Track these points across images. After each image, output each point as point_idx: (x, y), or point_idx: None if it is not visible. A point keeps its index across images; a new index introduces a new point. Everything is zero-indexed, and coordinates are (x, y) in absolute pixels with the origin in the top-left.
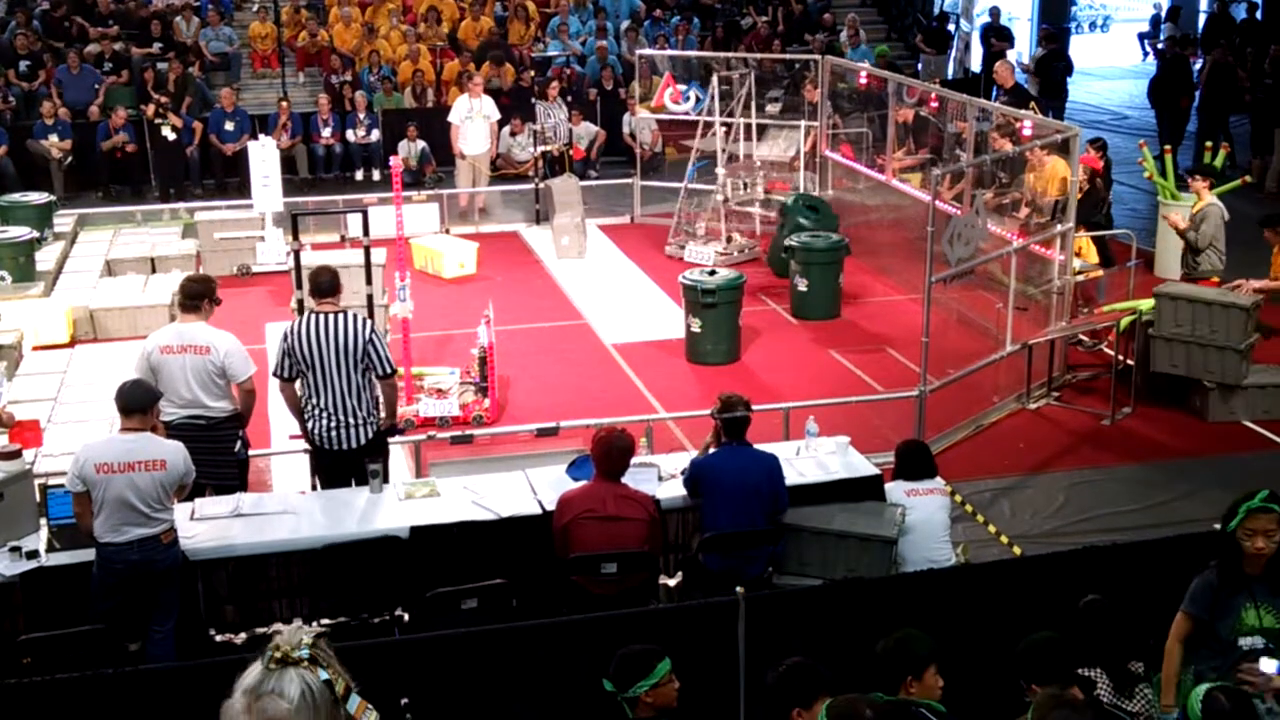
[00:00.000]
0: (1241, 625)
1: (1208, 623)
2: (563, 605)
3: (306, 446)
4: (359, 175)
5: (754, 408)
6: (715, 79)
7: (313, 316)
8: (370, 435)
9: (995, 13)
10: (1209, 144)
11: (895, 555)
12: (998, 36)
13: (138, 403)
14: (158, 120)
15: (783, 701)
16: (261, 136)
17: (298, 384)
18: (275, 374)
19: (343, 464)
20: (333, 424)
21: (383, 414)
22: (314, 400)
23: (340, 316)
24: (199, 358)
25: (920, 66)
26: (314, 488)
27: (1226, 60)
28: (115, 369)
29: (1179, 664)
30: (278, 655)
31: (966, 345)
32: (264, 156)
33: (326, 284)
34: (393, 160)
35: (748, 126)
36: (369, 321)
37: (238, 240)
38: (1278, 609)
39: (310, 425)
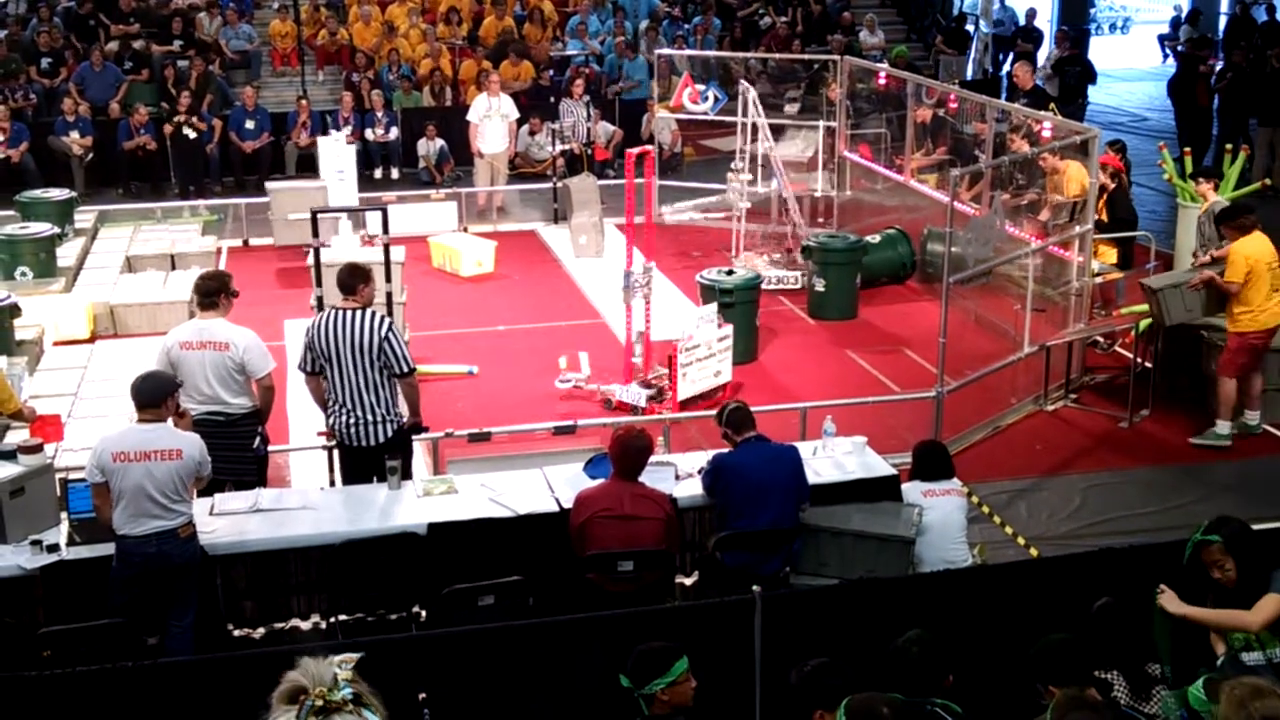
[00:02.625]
0: (1232, 640)
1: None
2: (579, 603)
3: (326, 442)
4: (378, 173)
5: (771, 408)
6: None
7: (333, 312)
8: (390, 433)
9: (1031, 14)
10: (1229, 146)
11: (912, 556)
12: (1024, 38)
13: (148, 396)
14: (185, 129)
15: (806, 702)
16: (333, 132)
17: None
18: (299, 367)
19: (364, 461)
20: (352, 420)
21: (405, 412)
22: (334, 396)
23: (358, 314)
24: (218, 354)
25: (940, 67)
26: (332, 483)
27: (1246, 63)
28: (135, 364)
29: None
30: (318, 705)
31: (984, 346)
32: (336, 151)
33: (345, 281)
34: (649, 147)
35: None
36: (388, 320)
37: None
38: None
39: (331, 421)
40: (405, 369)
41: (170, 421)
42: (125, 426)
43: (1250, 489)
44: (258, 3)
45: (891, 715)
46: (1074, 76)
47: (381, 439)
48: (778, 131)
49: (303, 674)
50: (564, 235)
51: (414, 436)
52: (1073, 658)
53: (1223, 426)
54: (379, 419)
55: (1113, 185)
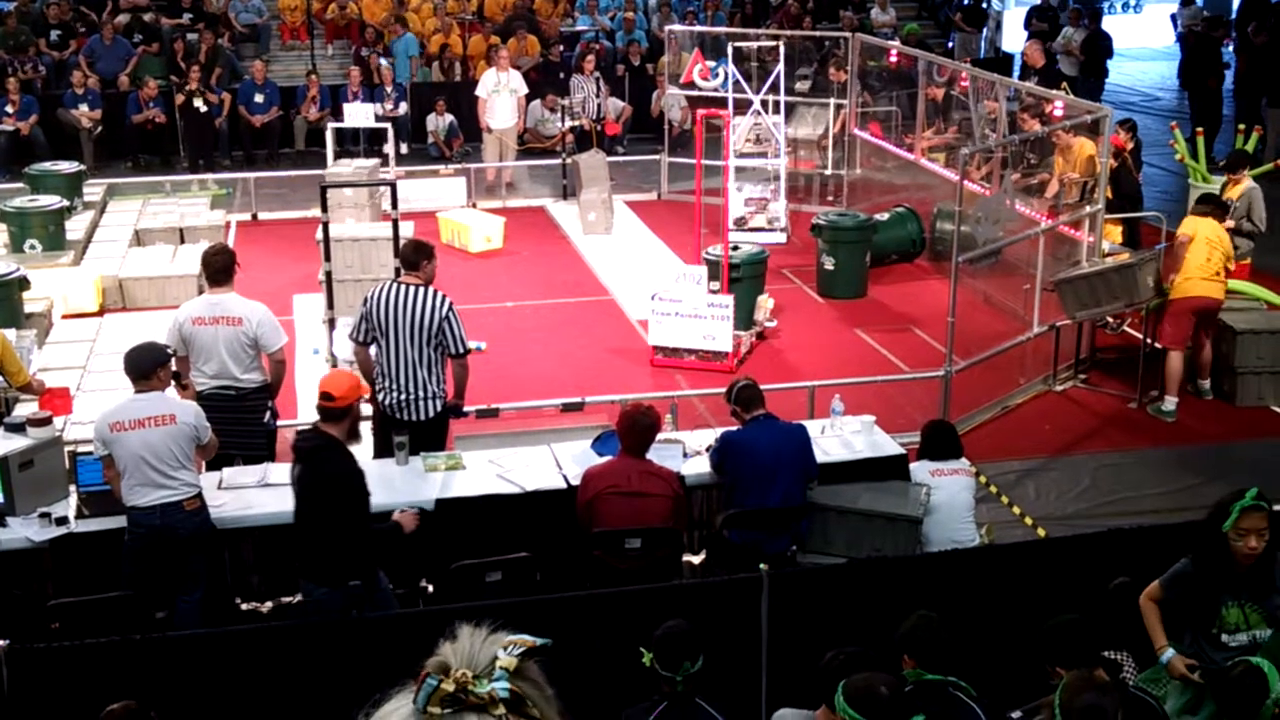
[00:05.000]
0: (1224, 623)
1: (1178, 610)
2: (586, 580)
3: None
4: (387, 149)
5: (780, 386)
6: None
7: (394, 286)
8: (439, 409)
9: None
10: (1241, 127)
11: (920, 535)
12: (1039, 17)
13: (137, 370)
14: (195, 100)
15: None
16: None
17: (373, 350)
18: (350, 337)
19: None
20: (403, 397)
21: (451, 390)
22: (384, 370)
23: (420, 290)
24: (231, 329)
25: (952, 45)
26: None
27: (1261, 43)
28: (143, 338)
29: (1158, 615)
30: (448, 690)
31: (993, 326)
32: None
33: (408, 256)
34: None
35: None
36: (448, 299)
37: None
38: (1264, 608)
39: (380, 394)
40: (461, 350)
41: (170, 390)
42: (123, 400)
43: (1260, 470)
44: None
45: (889, 695)
46: (1102, 53)
47: (429, 414)
48: (788, 110)
49: (453, 648)
50: (573, 211)
51: (453, 418)
52: (1081, 638)
53: (1169, 402)
54: (429, 395)
55: (1115, 163)
